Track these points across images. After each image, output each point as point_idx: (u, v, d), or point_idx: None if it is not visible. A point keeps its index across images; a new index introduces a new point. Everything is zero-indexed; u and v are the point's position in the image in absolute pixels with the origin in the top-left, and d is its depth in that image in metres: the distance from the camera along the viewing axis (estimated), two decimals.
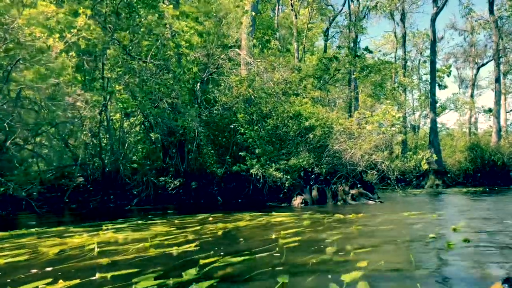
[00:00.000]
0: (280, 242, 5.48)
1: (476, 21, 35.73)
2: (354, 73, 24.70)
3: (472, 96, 39.38)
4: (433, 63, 28.61)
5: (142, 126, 15.60)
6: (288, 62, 15.26)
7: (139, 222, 8.01)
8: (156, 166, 17.19)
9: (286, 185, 13.48)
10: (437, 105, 42.88)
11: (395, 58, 38.26)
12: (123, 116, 14.02)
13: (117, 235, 6.27)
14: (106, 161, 14.17)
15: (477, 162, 28.54)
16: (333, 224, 7.28)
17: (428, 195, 18.09)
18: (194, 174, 15.19)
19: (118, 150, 13.98)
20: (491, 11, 31.11)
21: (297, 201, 12.06)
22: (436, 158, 21.80)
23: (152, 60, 12.30)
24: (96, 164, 14.41)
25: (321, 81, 19.02)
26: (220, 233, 6.33)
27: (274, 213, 9.38)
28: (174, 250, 4.97)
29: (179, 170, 15.59)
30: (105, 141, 14.15)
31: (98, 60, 12.49)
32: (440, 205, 12.72)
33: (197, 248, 5.13)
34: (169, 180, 15.57)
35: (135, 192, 14.00)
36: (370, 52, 24.81)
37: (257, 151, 12.70)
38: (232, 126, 14.16)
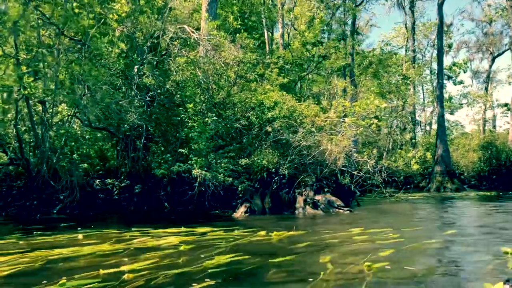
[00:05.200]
0: None
1: (489, 5, 32.40)
2: (350, 64, 22.03)
3: (486, 89, 35.75)
4: (440, 51, 25.62)
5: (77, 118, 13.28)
6: (244, 40, 12.73)
7: None
8: (109, 167, 15.03)
9: (240, 189, 11.05)
10: (451, 100, 39.65)
11: (406, 50, 35.29)
12: (46, 105, 11.74)
13: None
14: (31, 159, 12.00)
15: (492, 163, 25.39)
16: (228, 251, 4.82)
17: (425, 200, 15.25)
18: (139, 176, 12.86)
19: (43, 146, 11.72)
20: None
21: (240, 210, 9.57)
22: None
23: (68, 34, 10.03)
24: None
25: (304, 68, 16.48)
26: (14, 271, 3.93)
27: (183, 228, 6.97)
28: None
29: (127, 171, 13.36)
30: (26, 136, 11.95)
31: (7, 37, 10.27)
32: (424, 216, 10.05)
33: None
34: (117, 183, 13.35)
35: (61, 197, 11.74)
36: (359, 33, 22.04)
37: (193, 146, 10.29)
38: (179, 118, 11.79)
